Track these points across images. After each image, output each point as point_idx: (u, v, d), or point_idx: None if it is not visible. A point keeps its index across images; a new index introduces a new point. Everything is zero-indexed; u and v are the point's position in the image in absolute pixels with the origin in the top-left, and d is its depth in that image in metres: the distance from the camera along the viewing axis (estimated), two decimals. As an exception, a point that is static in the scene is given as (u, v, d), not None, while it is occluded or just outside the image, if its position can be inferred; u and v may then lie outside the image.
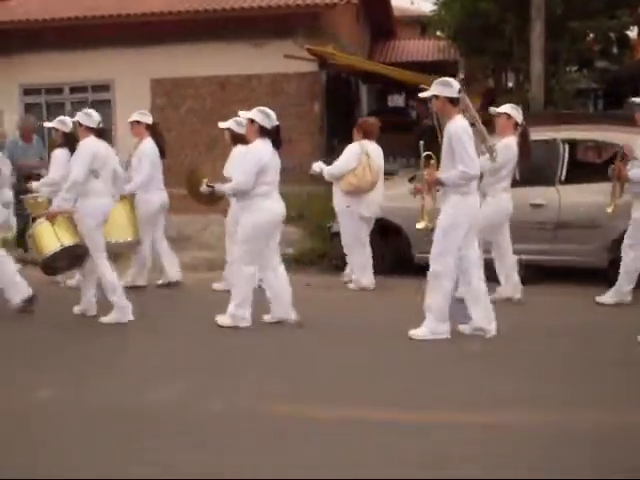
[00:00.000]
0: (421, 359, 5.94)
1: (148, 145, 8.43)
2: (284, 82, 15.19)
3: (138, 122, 8.55)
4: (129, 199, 8.09)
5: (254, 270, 6.76)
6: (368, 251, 8.46)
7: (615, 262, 7.74)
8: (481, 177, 7.18)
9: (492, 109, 7.71)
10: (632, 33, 16.91)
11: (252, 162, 6.59)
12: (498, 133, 7.57)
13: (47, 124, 8.30)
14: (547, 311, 7.39)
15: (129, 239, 7.98)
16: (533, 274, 8.31)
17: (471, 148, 6.11)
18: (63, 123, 8.08)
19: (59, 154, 8.12)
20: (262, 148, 6.64)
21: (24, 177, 9.43)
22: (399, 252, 9.04)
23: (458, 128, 6.12)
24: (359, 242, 8.40)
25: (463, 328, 6.50)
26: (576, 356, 5.96)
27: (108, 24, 15.52)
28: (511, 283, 7.67)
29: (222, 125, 7.97)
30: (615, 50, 16.19)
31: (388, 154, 14.55)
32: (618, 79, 18.14)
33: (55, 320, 7.31)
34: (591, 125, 9.22)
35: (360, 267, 8.42)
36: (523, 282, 7.75)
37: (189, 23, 15.20)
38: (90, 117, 7.15)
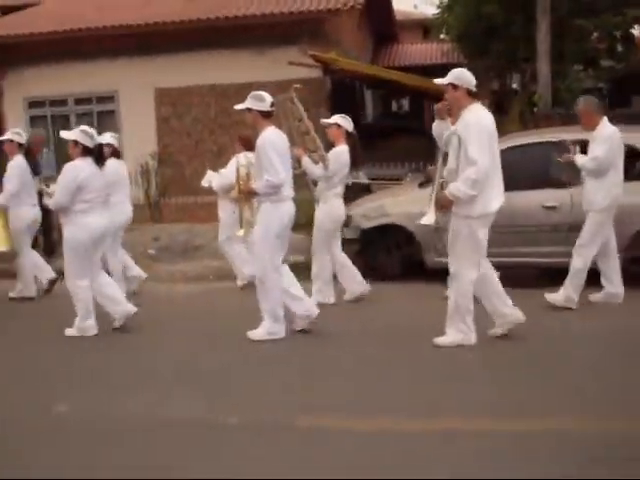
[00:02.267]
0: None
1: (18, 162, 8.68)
2: (289, 89, 15.08)
3: (11, 141, 8.76)
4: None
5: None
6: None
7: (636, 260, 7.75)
8: (315, 184, 7.98)
9: (323, 120, 8.05)
10: (637, 31, 16.78)
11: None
12: (331, 142, 7.95)
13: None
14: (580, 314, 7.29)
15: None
16: (549, 277, 8.23)
17: (275, 158, 6.43)
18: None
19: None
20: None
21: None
22: (412, 257, 8.95)
23: (265, 140, 6.49)
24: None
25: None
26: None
27: (111, 35, 15.51)
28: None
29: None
30: (620, 48, 16.07)
31: (395, 159, 14.60)
32: (624, 78, 18.04)
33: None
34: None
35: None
36: (534, 285, 7.64)
37: (192, 32, 15.16)
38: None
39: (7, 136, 8.87)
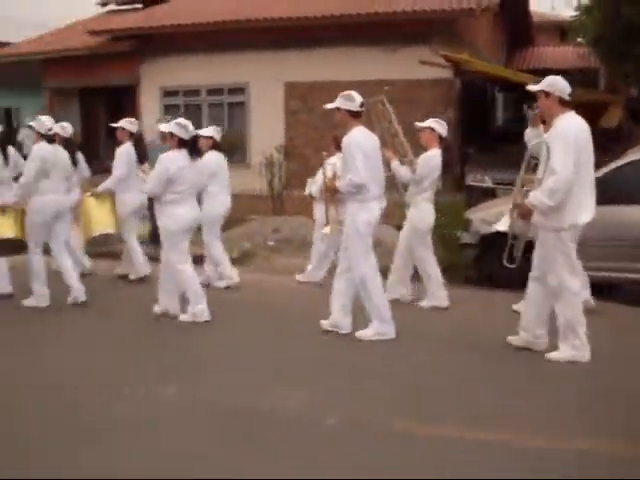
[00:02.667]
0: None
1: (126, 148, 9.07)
2: (418, 88, 15.02)
3: (123, 128, 9.14)
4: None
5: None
6: None
7: None
8: (405, 188, 7.87)
9: (417, 124, 7.86)
10: None
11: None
12: (423, 146, 7.80)
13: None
14: None
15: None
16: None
17: (358, 158, 6.41)
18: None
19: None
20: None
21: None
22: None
23: (350, 139, 6.52)
24: None
25: None
26: None
27: (246, 28, 15.79)
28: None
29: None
30: None
31: (506, 165, 14.23)
32: None
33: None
34: None
35: None
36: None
37: (324, 27, 15.28)
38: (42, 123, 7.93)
39: (120, 124, 9.20)
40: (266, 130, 16.02)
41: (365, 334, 6.67)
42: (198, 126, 8.41)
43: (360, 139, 6.52)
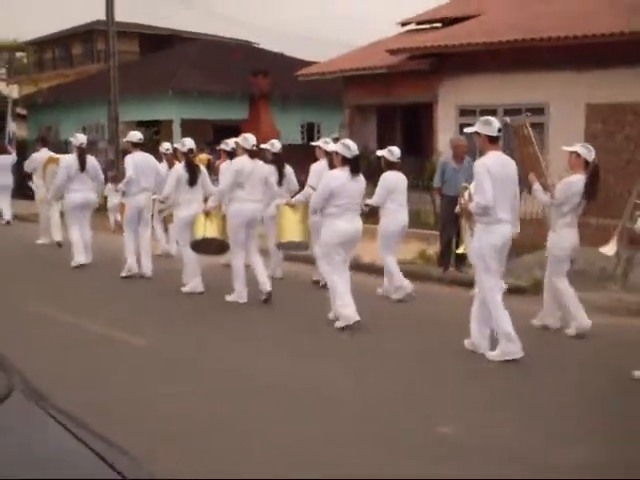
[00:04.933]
0: None
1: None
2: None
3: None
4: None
5: None
6: None
7: None
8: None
9: (564, 147, 7.90)
10: None
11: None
12: (569, 170, 7.81)
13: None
14: None
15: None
16: None
17: (486, 181, 6.63)
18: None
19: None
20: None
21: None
22: None
23: (480, 163, 6.80)
24: None
25: None
26: None
27: (546, 46, 15.30)
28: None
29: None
30: None
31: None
32: None
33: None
34: None
35: None
36: None
37: (633, 45, 14.34)
38: (246, 140, 9.06)
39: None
40: (564, 153, 15.38)
41: (493, 355, 6.85)
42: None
43: (490, 163, 6.75)
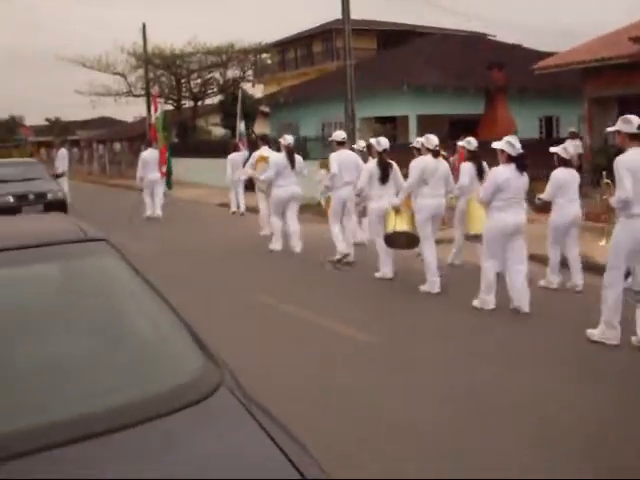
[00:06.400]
0: None
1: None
2: None
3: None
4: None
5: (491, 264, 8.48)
6: None
7: None
8: None
9: None
10: None
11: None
12: None
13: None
14: None
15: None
16: None
17: (625, 176, 6.74)
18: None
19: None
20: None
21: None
22: None
23: (619, 159, 6.88)
24: None
25: None
26: None
27: None
28: None
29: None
30: None
31: None
32: None
33: None
34: None
35: None
36: None
37: None
38: (429, 141, 9.66)
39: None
40: None
41: (592, 333, 7.18)
42: None
43: (628, 159, 6.85)
